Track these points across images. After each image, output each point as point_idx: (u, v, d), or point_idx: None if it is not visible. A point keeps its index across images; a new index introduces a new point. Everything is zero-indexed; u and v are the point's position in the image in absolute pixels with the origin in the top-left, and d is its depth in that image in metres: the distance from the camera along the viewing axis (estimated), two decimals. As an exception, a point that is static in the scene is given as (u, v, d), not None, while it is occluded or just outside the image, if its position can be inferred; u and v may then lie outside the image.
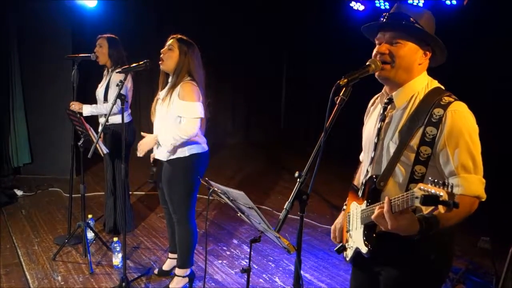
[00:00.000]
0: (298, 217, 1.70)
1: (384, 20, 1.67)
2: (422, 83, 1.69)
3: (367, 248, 1.66)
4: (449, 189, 1.23)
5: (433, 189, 1.25)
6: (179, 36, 3.04)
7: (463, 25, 4.90)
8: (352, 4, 5.75)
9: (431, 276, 1.69)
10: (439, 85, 1.71)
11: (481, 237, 3.68)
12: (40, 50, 5.69)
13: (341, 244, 1.91)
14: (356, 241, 1.75)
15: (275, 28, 7.86)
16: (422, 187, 1.29)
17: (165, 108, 2.98)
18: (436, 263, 1.67)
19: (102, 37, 3.95)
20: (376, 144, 1.74)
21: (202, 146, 3.09)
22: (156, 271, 3.50)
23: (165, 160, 3.05)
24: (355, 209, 1.81)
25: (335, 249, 1.91)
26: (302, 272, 1.99)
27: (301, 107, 8.23)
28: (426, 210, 1.29)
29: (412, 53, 1.64)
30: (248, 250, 2.84)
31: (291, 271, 3.60)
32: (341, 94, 1.62)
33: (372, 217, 1.53)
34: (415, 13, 1.65)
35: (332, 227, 1.99)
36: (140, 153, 3.03)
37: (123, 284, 3.11)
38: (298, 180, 1.61)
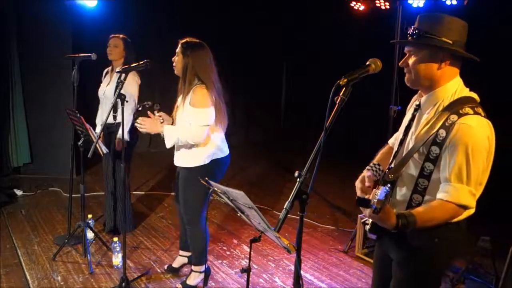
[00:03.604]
0: (298, 217, 1.70)
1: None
2: (450, 91, 1.75)
3: (369, 227, 1.80)
4: (383, 198, 1.49)
5: (375, 196, 1.52)
6: (184, 40, 3.05)
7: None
8: (352, 4, 5.74)
9: (430, 262, 1.81)
10: (470, 94, 1.77)
11: (481, 237, 3.68)
12: (40, 50, 5.68)
13: (366, 218, 2.02)
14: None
15: (275, 28, 7.85)
16: (375, 192, 1.56)
17: (180, 114, 3.04)
18: (435, 250, 1.77)
19: (116, 37, 3.91)
20: (402, 141, 1.87)
21: (221, 151, 3.12)
22: (166, 267, 3.54)
23: (184, 167, 3.09)
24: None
25: (362, 221, 2.13)
26: (302, 272, 2.00)
27: (301, 107, 8.22)
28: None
29: (425, 62, 1.74)
30: (248, 250, 2.85)
31: (291, 271, 3.60)
32: (341, 94, 1.64)
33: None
34: (431, 23, 1.72)
35: (356, 184, 1.98)
36: (141, 128, 2.96)
37: (123, 284, 3.12)
38: (298, 180, 1.62)
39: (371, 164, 2.05)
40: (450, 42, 1.70)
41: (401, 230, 1.61)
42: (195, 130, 2.95)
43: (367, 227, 1.99)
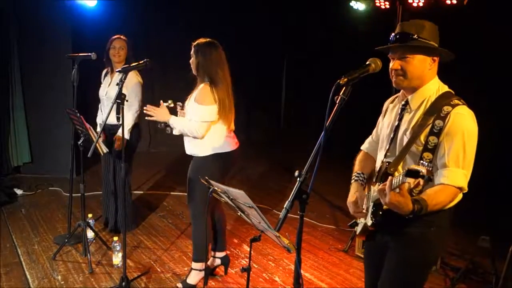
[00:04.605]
0: (298, 217, 1.70)
1: (392, 43, 1.86)
2: (433, 88, 1.88)
3: (371, 221, 1.86)
4: (430, 168, 1.49)
5: (418, 167, 1.50)
6: (196, 41, 3.13)
7: (462, 23, 4.90)
8: (352, 3, 5.75)
9: (427, 250, 1.93)
10: (449, 90, 1.90)
11: (480, 236, 3.68)
12: (40, 50, 5.68)
13: (354, 220, 2.09)
14: (366, 217, 1.95)
15: (275, 28, 7.85)
16: (412, 166, 1.54)
17: (186, 106, 3.16)
18: (432, 238, 1.89)
19: (121, 39, 3.89)
20: (392, 139, 1.94)
21: (224, 146, 3.16)
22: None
23: (192, 155, 3.18)
24: (369, 191, 2.00)
25: (348, 224, 2.15)
26: (302, 271, 2.00)
27: (301, 107, 8.22)
28: (413, 183, 1.61)
29: (421, 63, 1.84)
30: (248, 249, 2.85)
31: (291, 270, 3.60)
32: (341, 93, 1.66)
33: (376, 189, 1.74)
34: (417, 28, 1.82)
35: (348, 204, 2.09)
36: (149, 116, 3.08)
37: (123, 283, 3.12)
38: (298, 179, 1.63)
39: (355, 174, 2.13)
40: (436, 45, 1.85)
41: (416, 214, 1.69)
42: (195, 125, 3.04)
43: (358, 228, 2.06)
